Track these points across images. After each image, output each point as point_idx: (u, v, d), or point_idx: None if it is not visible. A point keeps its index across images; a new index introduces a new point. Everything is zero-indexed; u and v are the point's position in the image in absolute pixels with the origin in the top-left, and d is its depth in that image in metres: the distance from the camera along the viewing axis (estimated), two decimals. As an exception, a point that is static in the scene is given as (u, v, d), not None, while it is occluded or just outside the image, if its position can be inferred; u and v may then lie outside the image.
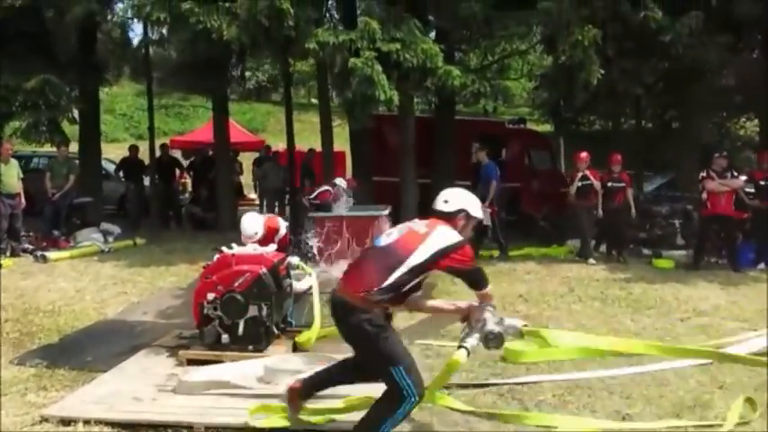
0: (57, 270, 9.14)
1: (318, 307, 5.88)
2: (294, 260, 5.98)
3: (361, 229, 9.90)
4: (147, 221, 13.93)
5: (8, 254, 9.94)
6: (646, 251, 11.45)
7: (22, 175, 10.35)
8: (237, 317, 5.35)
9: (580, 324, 6.86)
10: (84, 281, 8.60)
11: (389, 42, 9.48)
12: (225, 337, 5.40)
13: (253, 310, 5.33)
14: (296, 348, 5.67)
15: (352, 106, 9.83)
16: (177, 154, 17.38)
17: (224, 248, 5.65)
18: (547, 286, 8.77)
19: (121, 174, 14.18)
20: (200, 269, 9.72)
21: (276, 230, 6.24)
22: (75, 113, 13.07)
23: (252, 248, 5.67)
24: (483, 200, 10.90)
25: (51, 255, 9.73)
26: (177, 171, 14.79)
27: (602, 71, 9.97)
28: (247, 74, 33.22)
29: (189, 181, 16.06)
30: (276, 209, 13.60)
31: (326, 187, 9.54)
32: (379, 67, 9.27)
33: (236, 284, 5.34)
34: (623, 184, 11.05)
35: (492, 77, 13.79)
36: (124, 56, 12.10)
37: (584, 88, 10.45)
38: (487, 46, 14.02)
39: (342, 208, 10.03)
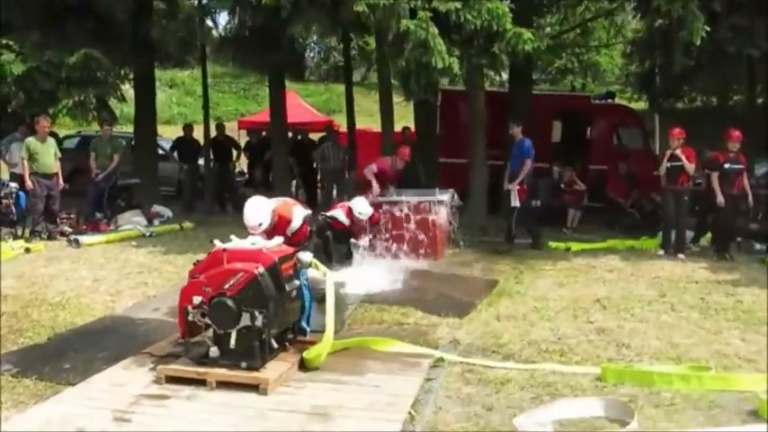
0: (85, 256, 8.48)
1: (332, 315, 4.78)
2: (306, 257, 4.89)
3: (421, 216, 8.76)
4: (203, 204, 13.29)
5: (45, 236, 9.41)
6: (758, 246, 9.65)
7: (59, 155, 9.77)
8: (228, 326, 4.34)
9: (671, 342, 5.44)
10: (108, 269, 7.88)
11: (448, 1, 8.18)
12: (213, 351, 4.41)
13: (246, 319, 4.29)
14: (303, 365, 4.60)
15: (406, 76, 8.62)
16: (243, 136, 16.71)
17: (216, 242, 4.64)
18: (632, 289, 7.30)
19: (176, 154, 13.55)
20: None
21: (288, 221, 5.15)
22: (130, 93, 12.47)
23: (250, 242, 4.62)
24: (513, 179, 9.66)
25: (84, 239, 9.10)
26: (234, 152, 14.02)
27: (707, 29, 8.23)
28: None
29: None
30: (335, 192, 12.60)
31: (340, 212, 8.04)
32: (435, 30, 8.03)
33: (227, 286, 4.33)
34: (742, 167, 9.32)
35: (574, 46, 12.10)
36: (174, 30, 11.30)
37: (684, 52, 8.76)
38: (567, 5, 12.27)
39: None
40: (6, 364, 4.80)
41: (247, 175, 14.74)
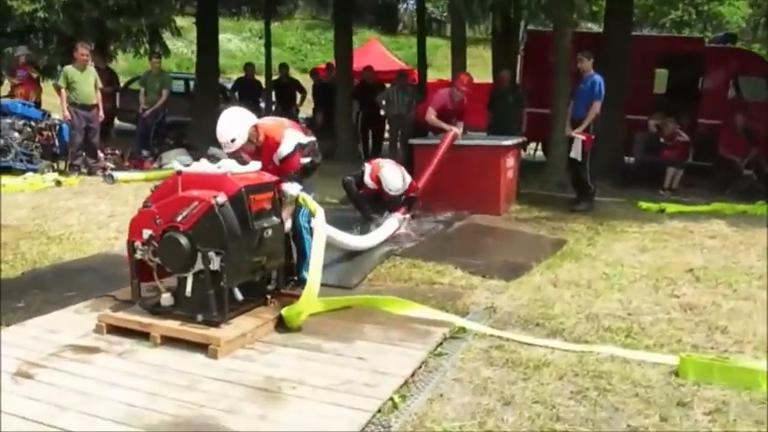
0: (115, 192, 7.87)
1: (319, 266, 3.75)
2: (292, 189, 3.86)
3: (484, 164, 7.53)
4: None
5: (84, 171, 8.92)
6: None
7: (101, 85, 9.18)
8: (180, 268, 3.40)
9: (779, 329, 4.06)
10: (130, 206, 7.09)
11: None
12: (165, 298, 3.52)
13: (206, 261, 3.35)
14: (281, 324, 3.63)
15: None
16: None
17: (174, 163, 3.72)
18: (738, 259, 5.81)
19: (237, 95, 12.83)
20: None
21: (276, 144, 4.10)
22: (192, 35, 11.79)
23: (215, 166, 3.64)
24: (575, 124, 7.97)
25: (120, 175, 8.52)
26: (299, 95, 13.14)
27: None
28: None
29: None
30: (399, 139, 11.50)
31: (367, 172, 6.56)
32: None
33: (179, 219, 3.38)
34: None
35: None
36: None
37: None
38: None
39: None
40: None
41: (310, 120, 13.83)
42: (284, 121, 4.45)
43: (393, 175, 6.37)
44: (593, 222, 7.32)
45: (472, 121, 11.61)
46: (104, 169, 8.97)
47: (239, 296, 3.49)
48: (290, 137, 4.14)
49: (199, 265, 3.38)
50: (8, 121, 8.58)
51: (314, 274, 3.69)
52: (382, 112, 12.66)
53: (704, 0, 23.76)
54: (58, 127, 9.07)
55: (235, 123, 4.03)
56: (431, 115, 7.74)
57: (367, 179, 6.49)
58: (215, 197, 3.34)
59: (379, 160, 6.70)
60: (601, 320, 4.21)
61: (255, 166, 3.76)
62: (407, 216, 6.59)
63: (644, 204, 8.43)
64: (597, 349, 3.71)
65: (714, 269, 5.42)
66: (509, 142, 7.94)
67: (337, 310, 4.05)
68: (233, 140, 3.96)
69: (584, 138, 7.87)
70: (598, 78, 8.03)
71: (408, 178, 6.65)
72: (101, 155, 9.28)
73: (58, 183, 8.07)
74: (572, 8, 9.66)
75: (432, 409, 2.93)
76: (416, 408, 2.92)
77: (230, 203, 3.38)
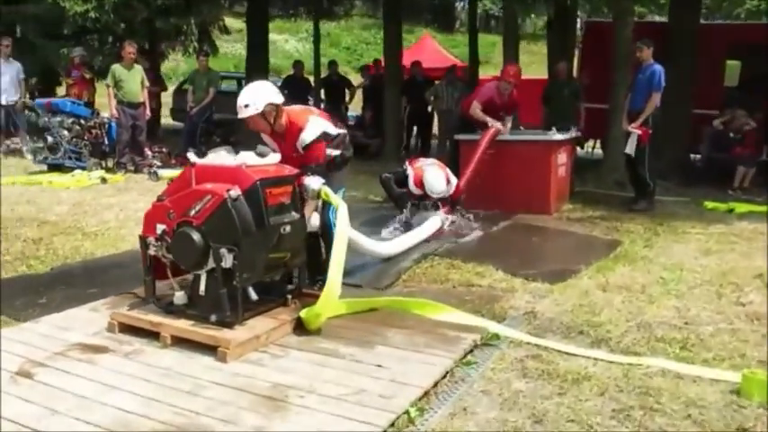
0: (156, 189, 7.69)
1: (340, 266, 3.51)
2: (314, 183, 3.63)
3: (534, 161, 7.15)
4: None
5: (131, 168, 8.97)
6: None
7: (147, 83, 9.24)
8: (193, 265, 3.22)
9: None
10: (171, 203, 7.17)
11: None
12: (178, 296, 3.35)
13: (218, 258, 3.16)
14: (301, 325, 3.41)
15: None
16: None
17: (190, 155, 3.53)
18: (814, 266, 5.30)
19: (286, 93, 12.71)
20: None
21: (299, 130, 3.88)
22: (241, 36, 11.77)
23: (231, 158, 3.43)
24: (633, 118, 7.41)
25: (164, 172, 8.51)
26: (348, 93, 12.97)
27: None
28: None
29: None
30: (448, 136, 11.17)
31: (411, 175, 6.32)
32: None
33: (192, 213, 3.20)
34: None
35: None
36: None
37: None
38: None
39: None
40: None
41: (359, 118, 13.62)
42: (312, 109, 4.22)
43: (436, 178, 6.13)
44: (652, 223, 6.85)
45: (527, 119, 11.23)
46: (150, 167, 8.99)
47: (253, 296, 3.28)
48: (315, 124, 3.89)
49: (212, 263, 3.19)
50: (58, 119, 8.71)
51: (334, 273, 3.45)
52: (430, 108, 12.39)
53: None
54: (106, 125, 9.15)
55: (254, 91, 3.83)
56: (476, 109, 7.38)
57: (412, 186, 6.24)
58: (228, 191, 3.14)
59: (422, 163, 6.39)
60: (653, 330, 3.82)
61: (275, 158, 3.55)
62: (450, 217, 6.29)
63: (710, 204, 7.87)
64: (646, 362, 3.34)
65: (786, 276, 4.93)
66: (561, 137, 7.52)
67: (362, 312, 3.80)
68: (246, 106, 3.74)
69: (640, 132, 7.37)
70: (658, 68, 7.50)
71: (454, 180, 6.37)
72: (147, 152, 9.33)
73: (104, 180, 8.13)
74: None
75: (452, 425, 2.64)
76: (435, 423, 2.64)
77: (245, 197, 3.18)
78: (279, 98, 3.83)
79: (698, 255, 5.56)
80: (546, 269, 5.02)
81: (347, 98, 12.87)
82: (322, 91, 12.88)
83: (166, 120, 13.94)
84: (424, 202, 6.28)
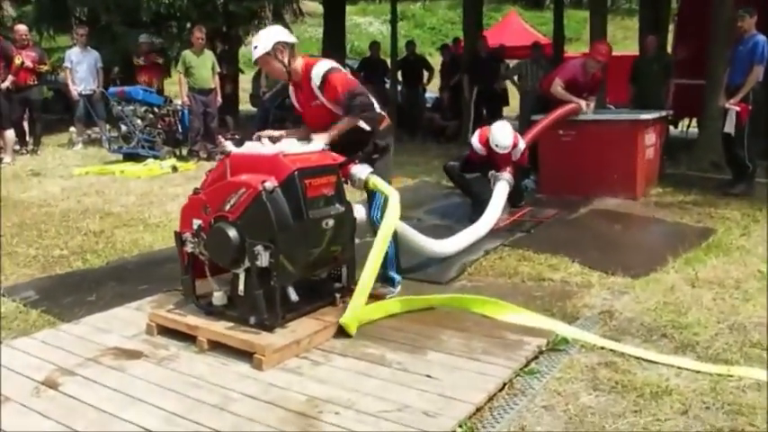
0: (227, 177, 7.81)
1: (375, 266, 3.21)
2: (362, 172, 3.33)
3: (619, 142, 6.61)
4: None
5: (204, 156, 9.00)
6: None
7: (219, 69, 9.19)
8: (231, 263, 3.03)
9: None
10: (237, 191, 7.10)
11: None
12: (217, 297, 3.17)
13: (252, 256, 2.95)
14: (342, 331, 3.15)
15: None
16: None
17: (228, 143, 3.33)
18: None
19: (362, 75, 12.49)
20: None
21: (337, 94, 3.45)
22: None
23: (269, 146, 3.19)
24: (732, 93, 6.71)
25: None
26: (426, 74, 12.58)
27: None
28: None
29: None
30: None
31: (476, 137, 6.02)
32: None
33: (228, 208, 3.00)
34: None
35: None
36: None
37: None
38: None
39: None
40: (30, 290, 4.05)
41: (438, 99, 13.20)
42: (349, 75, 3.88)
43: (502, 131, 5.78)
44: (751, 208, 6.18)
45: (614, 98, 10.51)
46: (224, 153, 8.97)
47: (294, 296, 3.05)
48: (326, 61, 3.60)
49: (249, 262, 2.97)
50: (131, 107, 8.80)
51: (367, 274, 3.17)
52: (509, 87, 11.81)
53: None
54: (180, 113, 9.21)
55: (264, 33, 3.62)
56: (557, 87, 6.89)
57: (475, 141, 5.95)
58: (263, 182, 2.91)
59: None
60: (748, 332, 3.35)
61: (318, 145, 3.28)
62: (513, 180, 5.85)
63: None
64: (739, 372, 2.89)
65: None
66: (649, 116, 6.91)
67: (418, 311, 3.51)
68: (255, 47, 3.52)
69: (738, 108, 6.67)
70: (762, 39, 6.77)
71: (522, 144, 5.96)
72: (221, 139, 9.31)
73: (175, 168, 8.15)
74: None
75: (505, 451, 2.33)
76: (487, 447, 2.33)
77: (281, 189, 2.94)
78: (290, 38, 3.57)
79: (804, 244, 4.94)
80: (628, 261, 4.55)
81: (425, 79, 12.50)
82: (399, 72, 12.53)
83: (246, 106, 14.05)
84: (489, 172, 5.92)
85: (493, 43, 12.56)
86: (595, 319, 3.60)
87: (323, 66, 3.52)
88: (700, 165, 8.39)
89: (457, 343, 3.09)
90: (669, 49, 10.99)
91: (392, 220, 3.30)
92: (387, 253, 3.68)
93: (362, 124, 3.54)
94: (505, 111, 12.93)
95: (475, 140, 5.97)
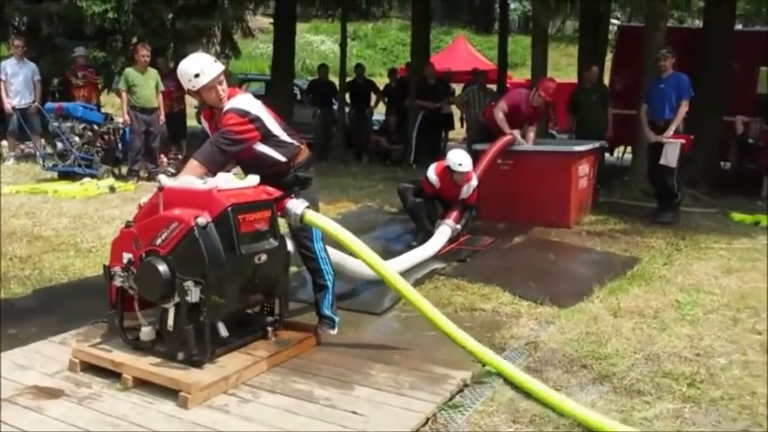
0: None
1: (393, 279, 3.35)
2: (298, 207, 3.38)
3: (553, 173, 6.83)
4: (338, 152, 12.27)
5: (144, 176, 8.88)
6: None
7: (162, 88, 9.08)
8: (160, 298, 3.03)
9: None
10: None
11: None
12: (145, 332, 3.15)
13: (182, 292, 2.96)
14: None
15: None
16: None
17: (162, 177, 3.34)
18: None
19: (310, 97, 12.57)
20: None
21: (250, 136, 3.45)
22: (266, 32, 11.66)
23: (201, 181, 3.21)
24: (662, 127, 7.07)
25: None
26: (374, 97, 12.74)
27: None
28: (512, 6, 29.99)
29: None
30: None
31: (431, 169, 6.22)
32: None
33: (159, 242, 3.01)
34: None
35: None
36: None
37: None
38: None
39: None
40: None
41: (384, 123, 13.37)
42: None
43: (459, 153, 6.03)
44: (675, 237, 6.51)
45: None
46: (165, 174, 8.88)
47: (223, 332, 3.06)
48: (243, 98, 3.54)
49: (179, 297, 2.98)
50: (68, 124, 8.56)
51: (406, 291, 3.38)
52: (454, 113, 12.07)
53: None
54: (121, 131, 9.05)
55: (202, 60, 3.50)
56: (499, 111, 7.13)
57: (430, 173, 6.09)
58: (196, 217, 2.94)
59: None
60: (662, 362, 3.54)
61: (254, 180, 3.32)
62: (458, 226, 6.03)
63: (737, 216, 7.48)
64: (651, 406, 3.04)
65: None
66: (582, 148, 7.20)
67: (354, 347, 3.57)
68: (197, 75, 3.40)
69: (683, 141, 7.02)
70: (685, 76, 7.26)
71: (475, 181, 6.15)
72: (163, 159, 9.22)
73: (113, 189, 8.00)
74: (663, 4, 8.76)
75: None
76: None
77: (214, 225, 2.97)
78: (218, 67, 3.50)
79: (718, 274, 5.24)
80: (556, 291, 4.75)
81: (372, 102, 12.65)
82: (347, 95, 12.64)
83: (193, 121, 13.83)
84: (437, 203, 6.07)
85: (441, 67, 12.87)
86: (521, 351, 3.73)
87: (234, 101, 3.48)
88: (632, 193, 8.75)
89: (385, 377, 3.16)
90: (606, 80, 11.46)
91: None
92: (325, 289, 3.75)
93: (277, 155, 3.56)
94: (451, 134, 13.25)
95: (431, 172, 6.08)
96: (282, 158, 3.60)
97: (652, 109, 7.39)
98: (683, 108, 7.14)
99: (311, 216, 3.39)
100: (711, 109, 9.16)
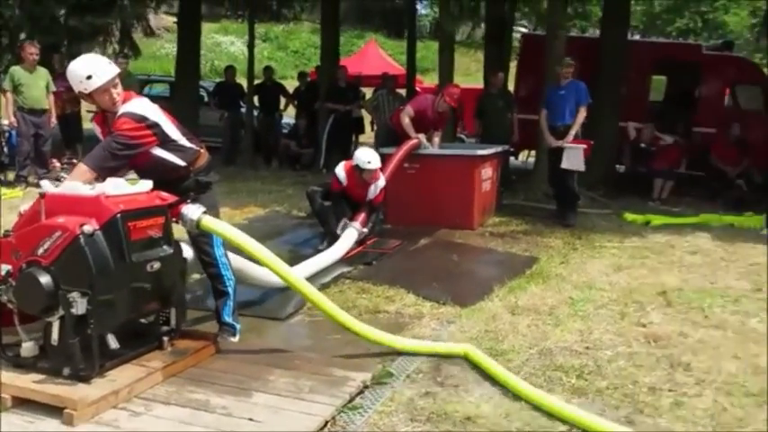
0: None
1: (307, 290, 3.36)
2: (194, 212, 3.30)
3: (457, 176, 6.99)
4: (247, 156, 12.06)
5: (33, 182, 8.38)
6: None
7: (54, 88, 8.59)
8: (42, 311, 2.88)
9: (757, 366, 3.54)
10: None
11: None
12: (27, 347, 2.99)
13: (67, 304, 2.83)
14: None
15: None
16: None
17: (44, 182, 3.20)
18: (716, 278, 5.35)
19: (217, 99, 12.30)
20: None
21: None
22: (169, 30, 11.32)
23: (88, 187, 3.10)
24: (562, 132, 7.33)
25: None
26: (283, 99, 12.62)
27: None
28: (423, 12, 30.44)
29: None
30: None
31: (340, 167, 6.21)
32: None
33: (41, 252, 2.86)
34: None
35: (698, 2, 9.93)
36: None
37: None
38: None
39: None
40: None
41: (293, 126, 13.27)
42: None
43: (367, 151, 6.09)
44: (572, 237, 6.81)
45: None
46: (58, 180, 8.43)
47: (113, 344, 2.93)
48: (140, 102, 3.38)
49: (63, 310, 2.85)
50: (-55, 128, 8.04)
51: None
52: (365, 117, 12.14)
53: (709, 9, 23.36)
54: (7, 134, 8.54)
55: (95, 61, 3.34)
56: (406, 116, 7.21)
57: (339, 170, 6.10)
58: (82, 225, 2.82)
59: None
60: (554, 356, 3.69)
61: (146, 185, 3.23)
62: (365, 230, 6.07)
63: (629, 216, 7.91)
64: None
65: (689, 291, 4.95)
66: (486, 152, 7.42)
67: (250, 353, 3.52)
68: (89, 77, 3.22)
69: (585, 146, 7.32)
70: (583, 84, 7.60)
71: (382, 181, 6.21)
72: (55, 164, 8.75)
73: (-3, 196, 7.54)
74: (562, 15, 9.15)
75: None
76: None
77: (102, 233, 2.85)
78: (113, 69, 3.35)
79: (610, 271, 5.52)
80: (458, 291, 4.85)
81: (282, 105, 12.52)
82: (255, 98, 12.46)
83: (88, 124, 13.26)
84: (345, 205, 6.08)
85: (352, 71, 12.90)
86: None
87: (128, 106, 3.34)
88: (534, 195, 9.08)
89: (284, 383, 3.13)
90: (511, 86, 11.84)
91: (249, 241, 3.32)
92: (227, 296, 3.68)
93: (176, 159, 3.47)
94: (362, 138, 13.30)
95: (340, 169, 6.10)
96: (181, 163, 3.51)
97: (552, 114, 7.68)
98: (582, 114, 7.47)
99: (208, 221, 3.32)
100: (608, 115, 9.68)
